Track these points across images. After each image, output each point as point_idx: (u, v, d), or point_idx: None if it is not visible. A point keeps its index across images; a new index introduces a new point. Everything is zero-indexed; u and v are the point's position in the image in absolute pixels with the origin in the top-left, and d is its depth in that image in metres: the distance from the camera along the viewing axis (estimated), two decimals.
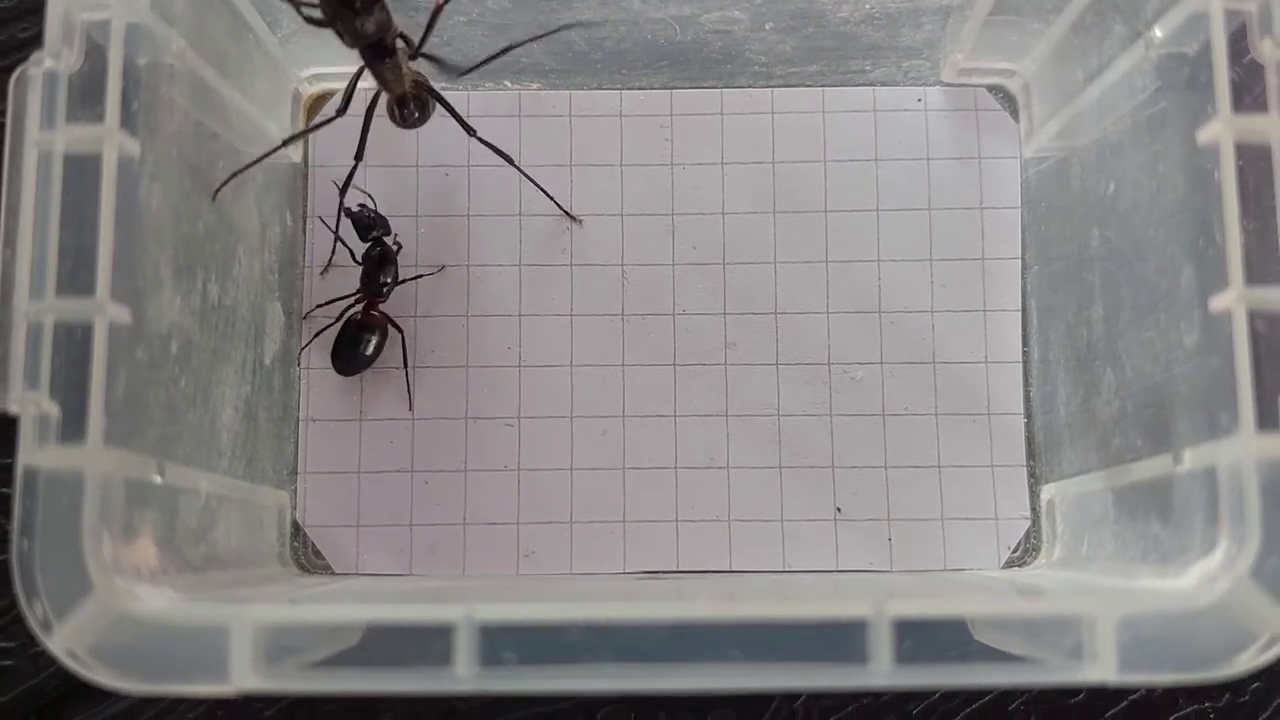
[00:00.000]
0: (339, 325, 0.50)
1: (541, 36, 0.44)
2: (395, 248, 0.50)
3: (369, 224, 0.49)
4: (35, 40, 0.51)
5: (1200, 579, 0.34)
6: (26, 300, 0.34)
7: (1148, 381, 0.40)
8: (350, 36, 0.41)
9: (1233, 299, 0.34)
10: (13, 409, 0.34)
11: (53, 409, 0.34)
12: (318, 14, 0.41)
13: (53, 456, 0.33)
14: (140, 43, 0.36)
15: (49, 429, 0.33)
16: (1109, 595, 0.35)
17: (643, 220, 0.52)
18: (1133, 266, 0.41)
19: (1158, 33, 0.39)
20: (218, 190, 0.43)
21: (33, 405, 0.34)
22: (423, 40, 0.43)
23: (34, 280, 0.34)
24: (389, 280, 0.49)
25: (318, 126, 0.47)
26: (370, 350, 0.50)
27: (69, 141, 0.35)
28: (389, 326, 0.50)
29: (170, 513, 0.38)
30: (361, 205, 0.49)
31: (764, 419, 0.50)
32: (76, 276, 0.34)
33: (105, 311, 0.34)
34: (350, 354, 0.49)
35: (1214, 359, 0.35)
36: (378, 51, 0.42)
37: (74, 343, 0.34)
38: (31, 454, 0.33)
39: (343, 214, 0.49)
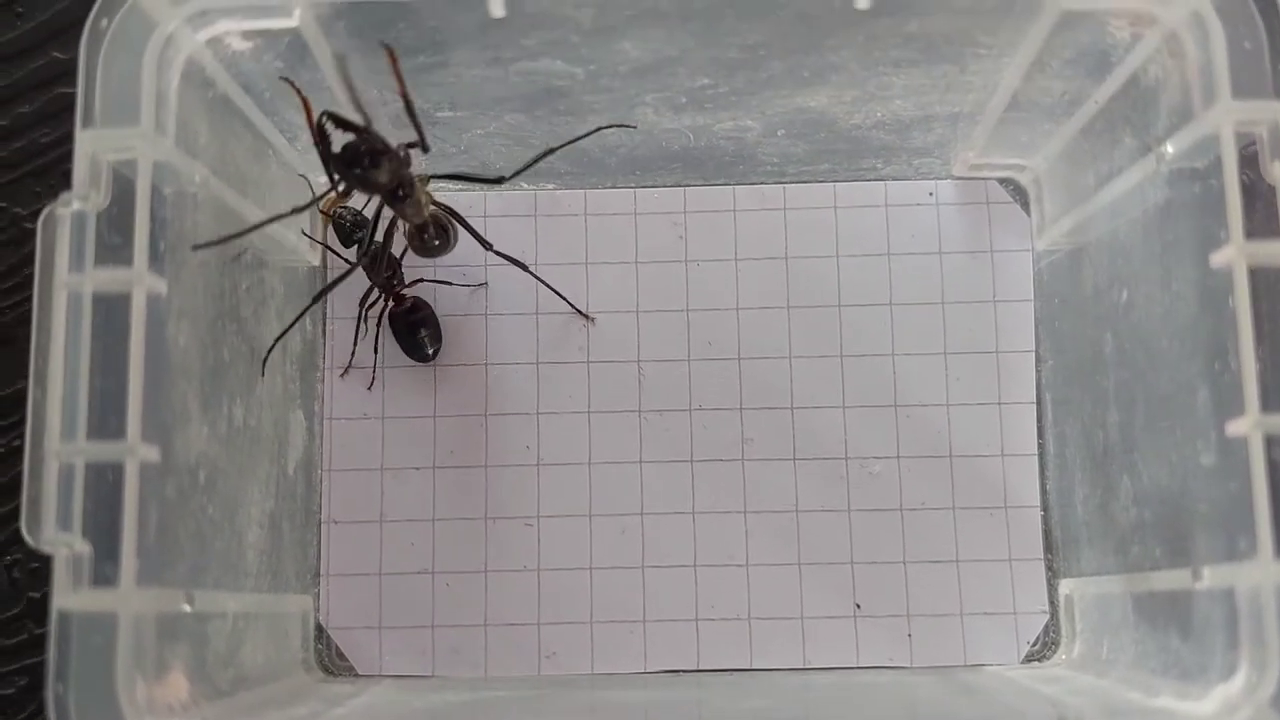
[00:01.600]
0: (386, 330, 0.51)
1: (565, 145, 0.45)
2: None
3: (351, 228, 0.50)
4: (56, 144, 0.53)
5: (1221, 705, 0.34)
6: (58, 441, 0.34)
7: (1165, 494, 0.40)
8: (365, 190, 0.42)
9: (1249, 425, 0.34)
10: (45, 549, 0.34)
11: (85, 549, 0.34)
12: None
13: (86, 600, 0.34)
14: (166, 177, 0.37)
15: (82, 570, 0.34)
16: None
17: (658, 316, 0.52)
18: (1146, 378, 0.41)
19: (1169, 149, 0.39)
20: (265, 361, 0.45)
21: (65, 547, 0.34)
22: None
23: (65, 422, 0.35)
24: (391, 268, 0.50)
25: (340, 280, 0.47)
26: (431, 329, 0.51)
27: (98, 283, 0.35)
28: (421, 301, 0.51)
29: (200, 642, 0.39)
30: (340, 211, 0.50)
31: (782, 515, 0.51)
32: (106, 419, 0.35)
33: (136, 453, 0.34)
34: (418, 343, 0.51)
35: (1231, 483, 0.35)
36: (395, 196, 0.43)
37: (105, 483, 0.34)
38: (65, 597, 0.34)
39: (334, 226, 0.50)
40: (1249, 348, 0.34)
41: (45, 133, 0.53)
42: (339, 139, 0.41)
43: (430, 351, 0.51)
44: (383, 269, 0.48)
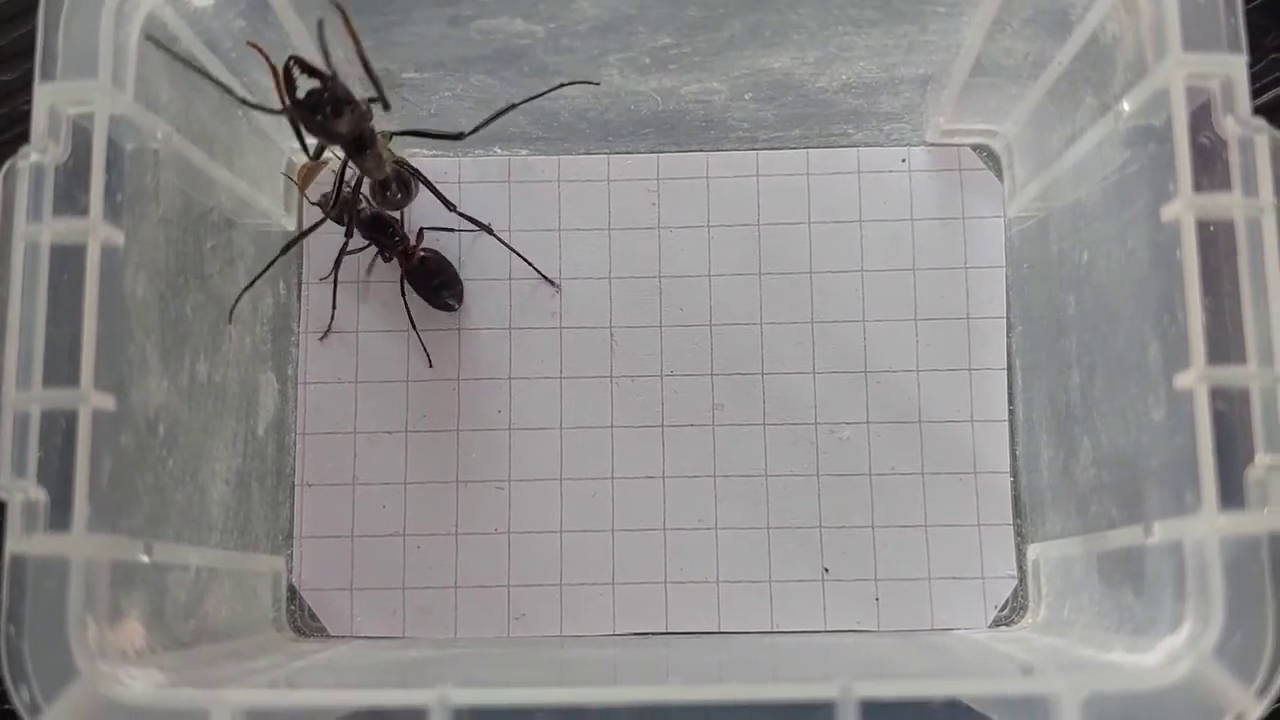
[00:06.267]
0: (405, 286, 0.51)
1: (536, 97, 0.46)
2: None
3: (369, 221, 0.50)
4: None
5: (1166, 656, 0.34)
6: (14, 390, 0.35)
7: (1121, 453, 0.40)
8: (326, 139, 0.42)
9: (1194, 378, 0.34)
10: (1, 495, 0.35)
11: (40, 495, 0.34)
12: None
13: (39, 544, 0.34)
14: (125, 132, 0.37)
15: (36, 516, 0.34)
16: (1075, 672, 0.35)
17: (630, 283, 0.52)
18: (1105, 338, 0.41)
19: (1125, 106, 0.39)
20: (231, 313, 0.45)
21: (20, 493, 0.34)
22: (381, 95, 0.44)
23: (21, 370, 0.35)
24: (396, 232, 0.50)
25: (309, 231, 0.48)
26: (451, 275, 0.51)
27: (55, 233, 0.35)
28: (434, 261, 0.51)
29: (159, 591, 0.39)
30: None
31: (752, 479, 0.51)
32: (61, 367, 0.35)
33: (89, 401, 0.35)
34: (441, 293, 0.51)
35: (1179, 437, 0.35)
36: (357, 146, 0.43)
37: (59, 431, 0.35)
38: (18, 542, 0.34)
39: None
40: (1195, 301, 0.34)
41: (27, 100, 0.53)
42: (304, 85, 0.42)
43: (457, 301, 0.51)
44: (350, 221, 0.48)
